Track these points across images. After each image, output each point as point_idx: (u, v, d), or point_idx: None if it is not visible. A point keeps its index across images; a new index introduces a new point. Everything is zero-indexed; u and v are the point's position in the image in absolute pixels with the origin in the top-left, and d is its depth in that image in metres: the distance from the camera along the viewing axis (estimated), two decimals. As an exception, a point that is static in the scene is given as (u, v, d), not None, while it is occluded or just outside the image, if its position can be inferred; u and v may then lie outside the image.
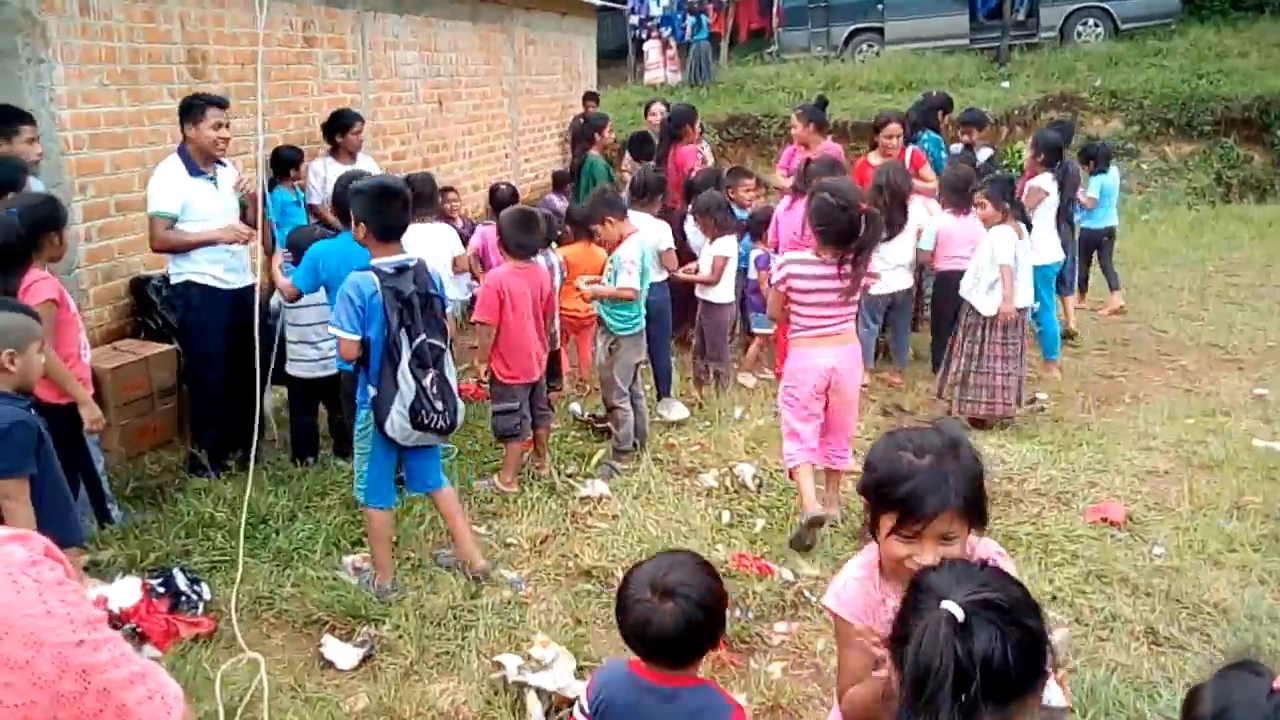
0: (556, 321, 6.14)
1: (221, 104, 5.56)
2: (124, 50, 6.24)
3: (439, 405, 4.27)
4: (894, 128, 8.17)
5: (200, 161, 5.49)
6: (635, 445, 6.01)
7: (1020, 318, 6.57)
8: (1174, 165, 15.71)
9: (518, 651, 3.95)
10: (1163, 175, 15.66)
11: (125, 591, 4.25)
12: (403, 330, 4.16)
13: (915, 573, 1.82)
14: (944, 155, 9.07)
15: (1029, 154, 8.31)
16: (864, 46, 19.66)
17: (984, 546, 2.20)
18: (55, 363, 4.25)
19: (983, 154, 9.79)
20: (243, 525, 4.63)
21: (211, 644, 4.13)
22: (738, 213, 7.67)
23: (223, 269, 5.55)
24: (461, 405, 4.48)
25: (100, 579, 4.38)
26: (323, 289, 5.05)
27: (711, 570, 2.35)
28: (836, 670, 2.30)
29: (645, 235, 6.04)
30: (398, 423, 4.21)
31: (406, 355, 4.18)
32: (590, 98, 13.67)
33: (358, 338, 4.15)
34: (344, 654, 4.01)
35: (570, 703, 3.67)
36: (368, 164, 7.89)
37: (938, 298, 7.49)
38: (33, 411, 3.56)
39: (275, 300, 5.65)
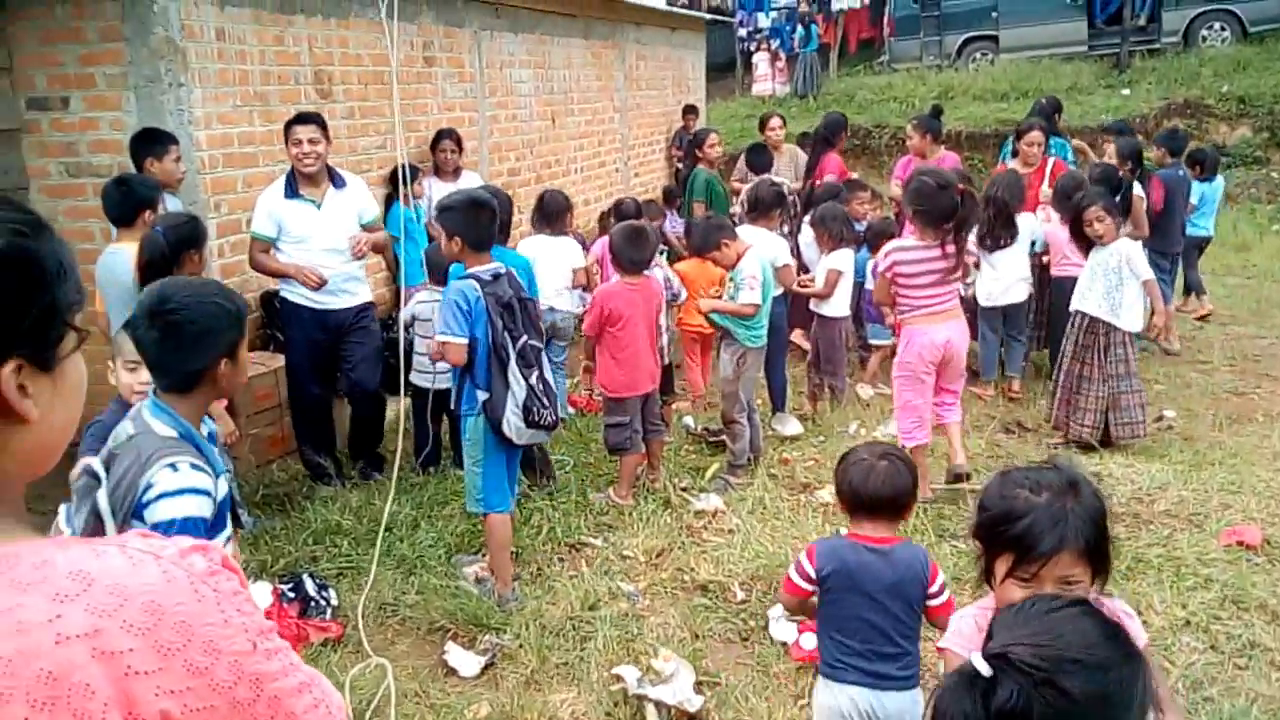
0: (666, 336, 6.18)
1: (304, 119, 5.66)
2: (256, 73, 6.48)
3: (545, 401, 4.42)
4: (1036, 135, 8.01)
5: (300, 182, 5.62)
6: (750, 460, 5.99)
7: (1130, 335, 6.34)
8: (1307, 173, 15.07)
9: (636, 664, 3.97)
10: (1294, 184, 15.03)
11: (257, 596, 4.39)
12: (506, 333, 4.31)
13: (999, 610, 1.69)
14: (1070, 159, 8.89)
15: (1117, 163, 8.12)
16: (977, 55, 19.31)
17: (1110, 605, 2.04)
18: None
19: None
20: (380, 534, 4.74)
21: (339, 649, 4.24)
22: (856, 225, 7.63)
23: (310, 290, 5.64)
24: (563, 403, 4.59)
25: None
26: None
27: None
28: None
29: (763, 250, 6.02)
30: (513, 422, 4.34)
31: (513, 356, 4.32)
32: (690, 111, 13.70)
33: (466, 340, 4.28)
34: (467, 661, 4.08)
35: (689, 716, 3.68)
36: (472, 181, 8.04)
37: (1056, 304, 7.32)
38: None
39: (407, 313, 5.78)
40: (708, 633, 4.30)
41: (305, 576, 4.58)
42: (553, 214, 6.68)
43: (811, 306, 7.05)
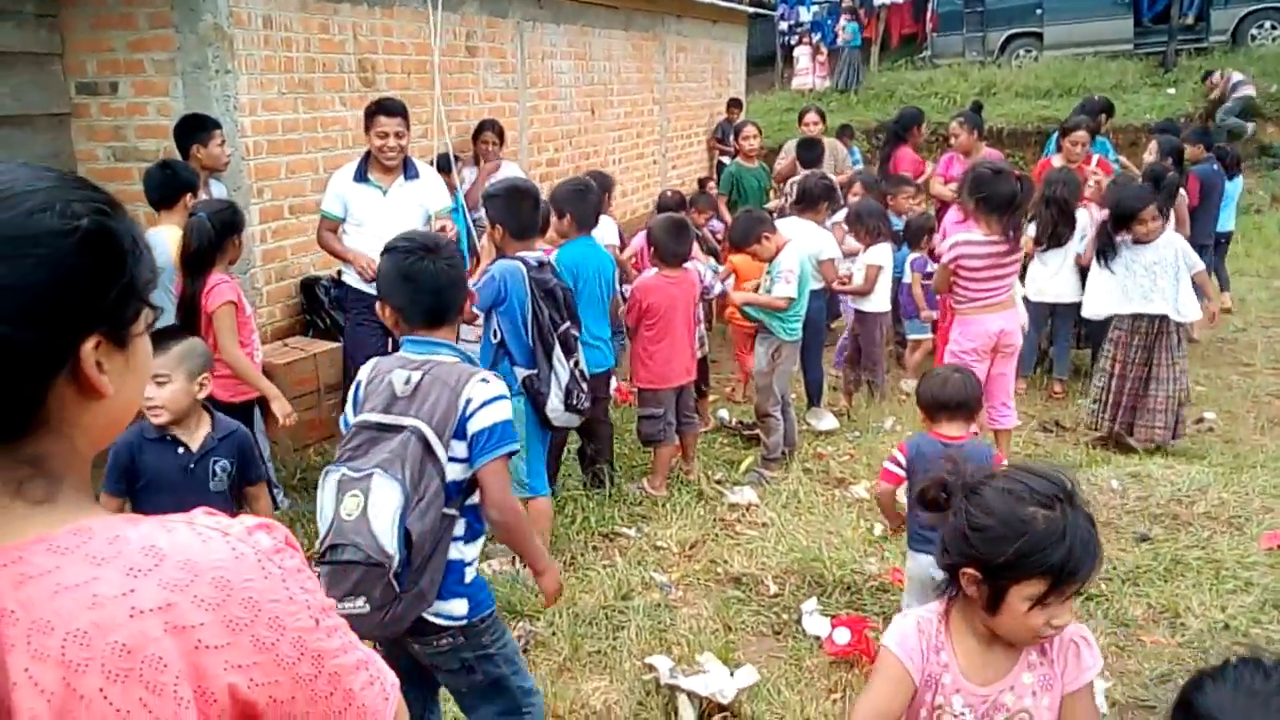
0: (702, 328, 6.19)
1: (390, 110, 5.59)
2: (301, 60, 6.54)
3: (585, 387, 4.51)
4: (1082, 135, 7.92)
5: (371, 167, 5.63)
6: (784, 454, 5.98)
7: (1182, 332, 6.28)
8: (1356, 175, 14.82)
9: (668, 654, 3.98)
10: (1344, 185, 14.78)
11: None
12: (550, 318, 4.37)
13: (1188, 692, 1.45)
14: (1113, 158, 8.81)
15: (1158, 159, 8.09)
16: (1021, 51, 19.12)
17: (1070, 629, 2.00)
18: (245, 363, 4.50)
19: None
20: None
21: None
22: (894, 220, 7.59)
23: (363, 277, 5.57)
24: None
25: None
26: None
27: None
28: (861, 695, 2.12)
29: (806, 244, 6.01)
30: (553, 404, 4.42)
31: (556, 341, 4.39)
32: (734, 104, 13.67)
33: (481, 312, 4.39)
34: (500, 648, 4.10)
35: (721, 708, 3.68)
36: (513, 172, 8.07)
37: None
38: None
39: None
40: (740, 625, 4.30)
41: (342, 560, 4.62)
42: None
43: (851, 303, 7.02)
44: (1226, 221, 9.30)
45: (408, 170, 5.72)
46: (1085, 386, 7.42)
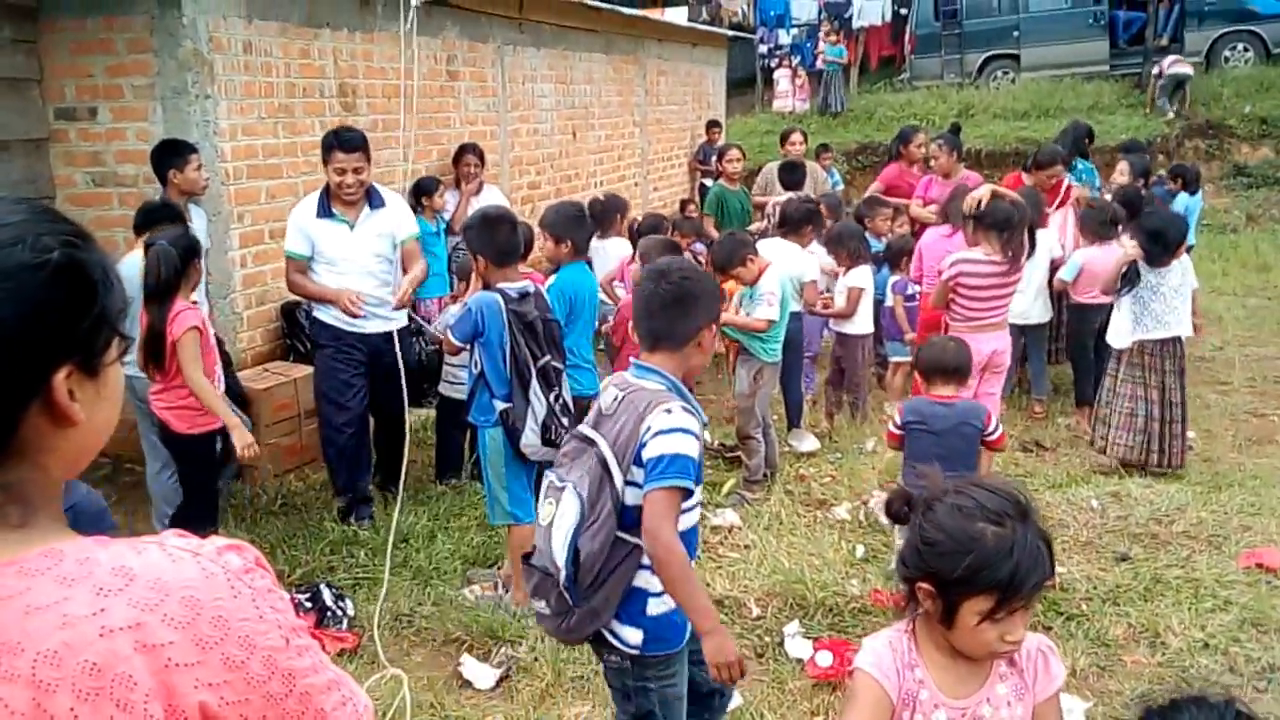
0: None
1: (347, 145, 5.25)
2: (281, 85, 6.55)
3: (565, 422, 4.42)
4: (1058, 169, 7.80)
5: (335, 201, 5.31)
6: (766, 475, 5.99)
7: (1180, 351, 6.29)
8: (1330, 195, 15.01)
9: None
10: (1318, 205, 14.96)
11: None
12: (529, 351, 4.34)
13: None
14: (1097, 184, 8.87)
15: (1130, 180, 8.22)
16: (999, 73, 19.32)
17: (1028, 640, 2.01)
18: (209, 391, 4.42)
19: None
20: (389, 545, 4.76)
21: (355, 659, 4.25)
22: (873, 243, 7.63)
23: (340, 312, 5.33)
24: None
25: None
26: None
27: None
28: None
29: (787, 266, 6.05)
30: (530, 439, 4.37)
31: (535, 375, 4.35)
32: (713, 126, 13.74)
33: (462, 345, 4.41)
34: (482, 674, 4.09)
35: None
36: (495, 196, 8.11)
37: (1075, 331, 7.29)
38: None
39: (441, 324, 5.77)
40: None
41: (322, 586, 4.60)
42: (600, 219, 6.91)
43: (833, 325, 7.04)
44: (1189, 238, 9.33)
45: (372, 200, 5.41)
46: (1065, 405, 7.48)
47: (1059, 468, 6.30)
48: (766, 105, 20.86)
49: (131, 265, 4.62)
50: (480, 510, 5.45)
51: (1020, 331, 7.28)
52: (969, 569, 1.83)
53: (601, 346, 6.86)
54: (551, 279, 5.13)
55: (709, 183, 11.64)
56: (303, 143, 6.74)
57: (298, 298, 6.55)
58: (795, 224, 6.64)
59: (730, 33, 17.23)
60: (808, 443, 6.65)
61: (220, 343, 5.79)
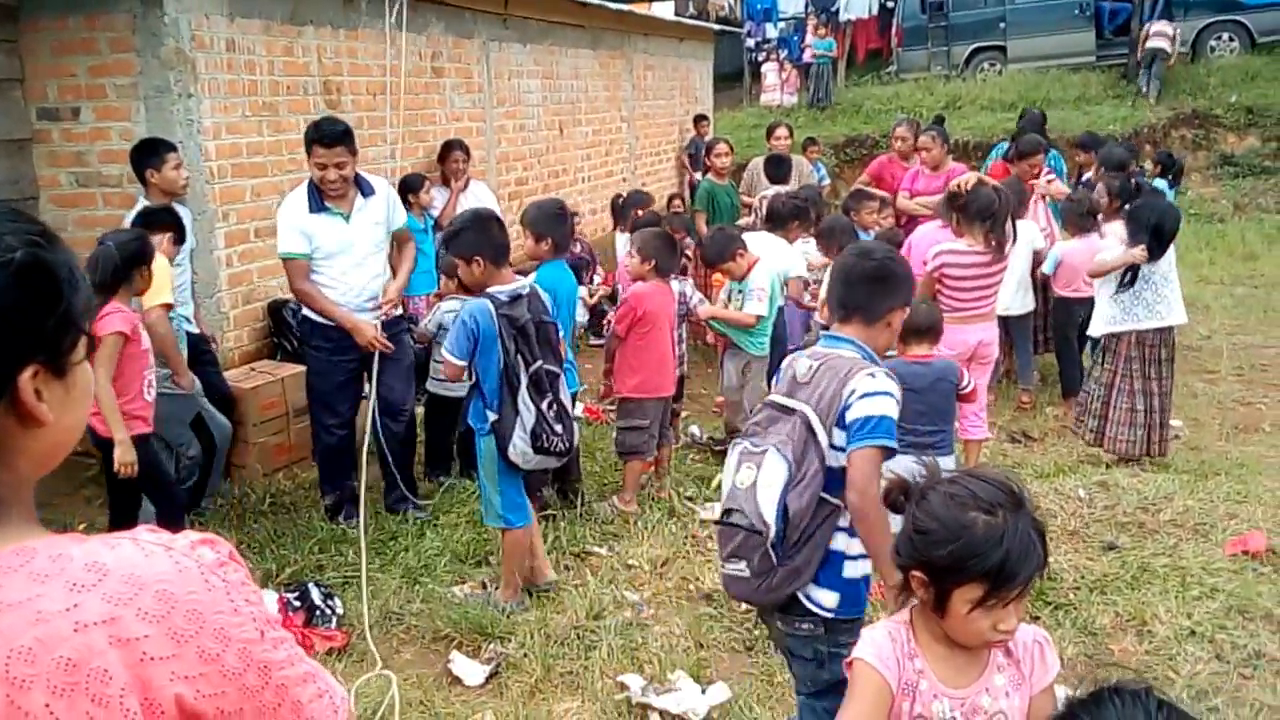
0: (684, 345, 6.22)
1: (327, 139, 5.06)
2: (265, 83, 6.52)
3: (558, 429, 4.36)
4: (1041, 158, 7.89)
5: (326, 195, 5.16)
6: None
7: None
8: (1316, 183, 15.07)
9: (640, 672, 3.98)
10: (1304, 193, 15.03)
11: (263, 604, 4.40)
12: (519, 357, 4.25)
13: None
14: (1064, 171, 8.93)
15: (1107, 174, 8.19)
16: (985, 65, 19.34)
17: (1023, 632, 2.03)
18: (107, 396, 4.25)
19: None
20: (363, 540, 4.75)
21: (344, 658, 4.25)
22: (862, 235, 7.64)
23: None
24: (576, 429, 4.58)
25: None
26: None
27: None
28: (841, 711, 2.09)
29: (776, 261, 6.06)
30: (519, 447, 4.30)
31: (524, 381, 4.26)
32: (701, 120, 13.74)
33: (464, 363, 4.28)
34: (471, 671, 4.08)
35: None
36: (482, 191, 8.10)
37: (1058, 322, 7.31)
38: None
39: (433, 321, 5.76)
40: (712, 642, 4.29)
41: (311, 585, 4.59)
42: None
43: (817, 318, 7.03)
44: None
45: (363, 188, 5.28)
46: (1053, 396, 7.50)
47: (1046, 457, 6.32)
48: (754, 99, 20.87)
49: None
50: (470, 507, 5.46)
51: (1003, 323, 7.30)
52: (957, 556, 1.85)
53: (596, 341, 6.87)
54: (530, 277, 5.10)
55: (699, 177, 11.65)
56: (287, 140, 6.71)
57: (285, 296, 6.56)
58: (782, 219, 6.65)
59: (717, 27, 17.23)
60: (797, 435, 6.64)
61: (207, 341, 5.82)
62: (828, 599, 2.86)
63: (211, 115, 6.09)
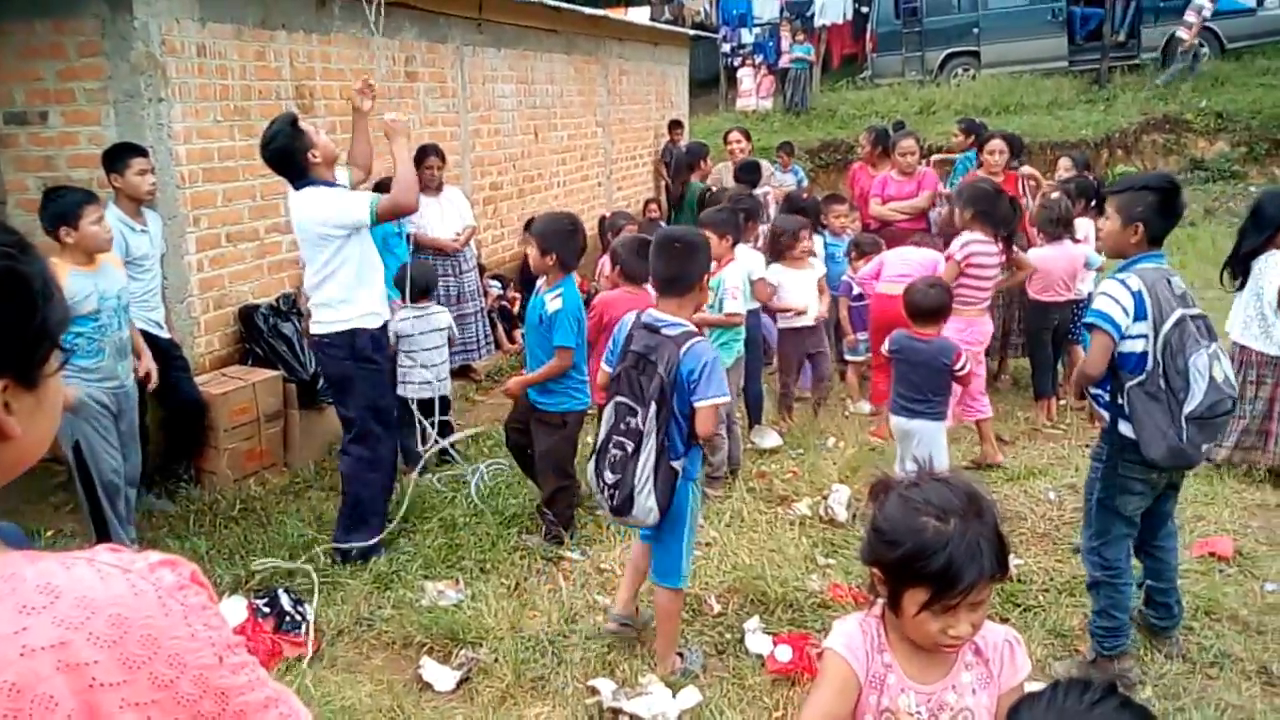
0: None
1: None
2: (237, 88, 6.49)
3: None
4: (999, 144, 8.03)
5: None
6: (727, 472, 6.00)
7: None
8: (1285, 187, 15.21)
9: (612, 677, 3.98)
10: (1273, 198, 15.16)
11: (231, 611, 4.39)
12: None
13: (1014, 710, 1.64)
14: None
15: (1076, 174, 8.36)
16: (959, 70, 19.45)
17: (993, 632, 2.06)
18: None
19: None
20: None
21: (314, 664, 4.23)
22: (831, 240, 7.69)
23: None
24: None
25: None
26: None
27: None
28: (807, 700, 2.13)
29: (744, 263, 6.08)
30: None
31: None
32: (676, 126, 13.76)
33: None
34: (442, 676, 4.07)
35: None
36: (457, 196, 8.07)
37: (1033, 326, 7.35)
38: None
39: (390, 331, 5.71)
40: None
41: (280, 591, 4.57)
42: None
43: (783, 322, 7.00)
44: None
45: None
46: (1025, 398, 7.54)
47: (1017, 460, 6.35)
48: (730, 104, 20.89)
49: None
50: (441, 513, 5.45)
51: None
52: (905, 558, 1.88)
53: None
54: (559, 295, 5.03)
55: (672, 185, 11.65)
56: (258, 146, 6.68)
57: (256, 301, 6.54)
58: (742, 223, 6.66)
59: (693, 32, 17.25)
60: (769, 439, 6.67)
61: (177, 347, 5.79)
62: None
63: (182, 120, 6.05)
